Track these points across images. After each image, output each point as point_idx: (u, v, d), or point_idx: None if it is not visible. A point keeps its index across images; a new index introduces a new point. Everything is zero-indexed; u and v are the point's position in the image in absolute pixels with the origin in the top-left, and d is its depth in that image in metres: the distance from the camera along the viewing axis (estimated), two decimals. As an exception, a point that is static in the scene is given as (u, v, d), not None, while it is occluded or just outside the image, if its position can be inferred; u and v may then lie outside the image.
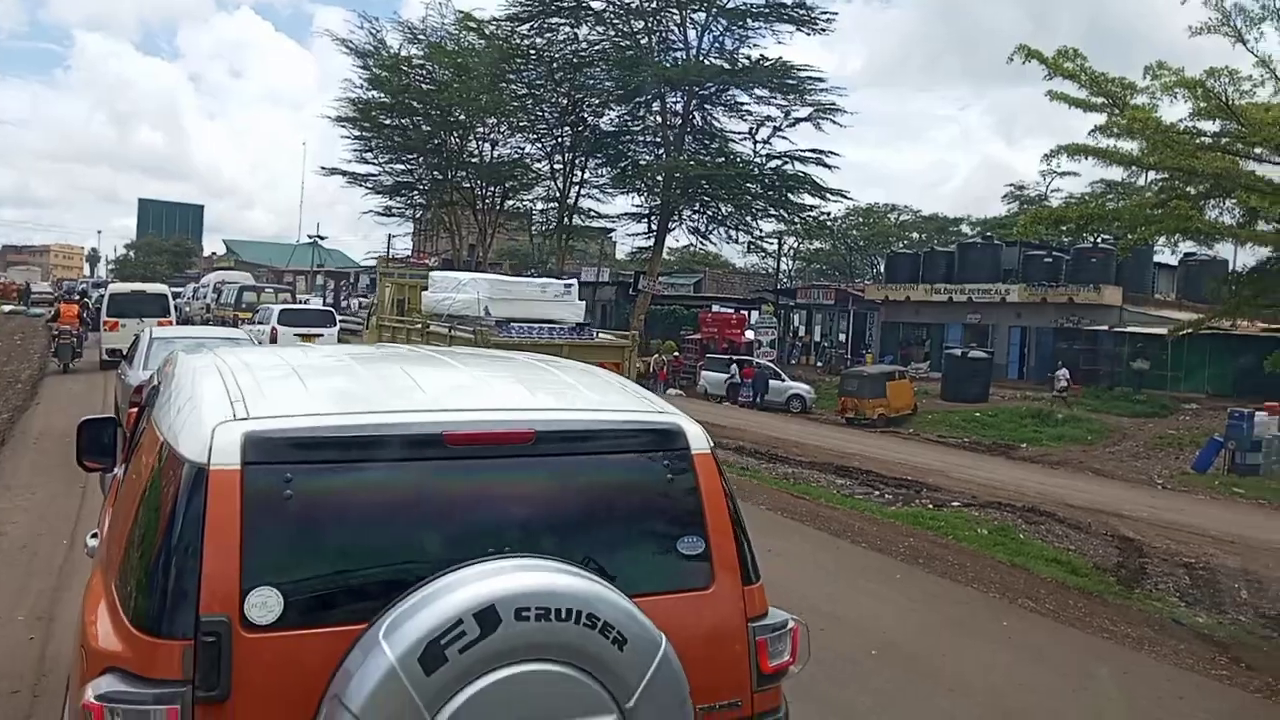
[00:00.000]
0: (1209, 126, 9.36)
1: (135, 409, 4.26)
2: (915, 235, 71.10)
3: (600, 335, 15.36)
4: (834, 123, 36.55)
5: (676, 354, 35.99)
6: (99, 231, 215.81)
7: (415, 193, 51.46)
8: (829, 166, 36.96)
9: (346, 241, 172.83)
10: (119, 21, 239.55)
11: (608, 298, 50.11)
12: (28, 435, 13.47)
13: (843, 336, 40.93)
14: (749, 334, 36.64)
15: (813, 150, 36.71)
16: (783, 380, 31.56)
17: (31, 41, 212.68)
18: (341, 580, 2.35)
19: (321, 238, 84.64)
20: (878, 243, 70.89)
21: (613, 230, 56.46)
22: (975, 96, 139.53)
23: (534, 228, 59.00)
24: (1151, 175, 10.98)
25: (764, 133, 37.41)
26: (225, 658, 2.18)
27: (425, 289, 17.06)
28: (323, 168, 50.16)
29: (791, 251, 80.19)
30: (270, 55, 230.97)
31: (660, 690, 2.34)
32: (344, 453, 2.41)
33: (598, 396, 3.02)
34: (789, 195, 37.34)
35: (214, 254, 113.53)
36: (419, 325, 15.75)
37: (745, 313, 38.84)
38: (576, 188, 46.50)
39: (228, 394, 2.59)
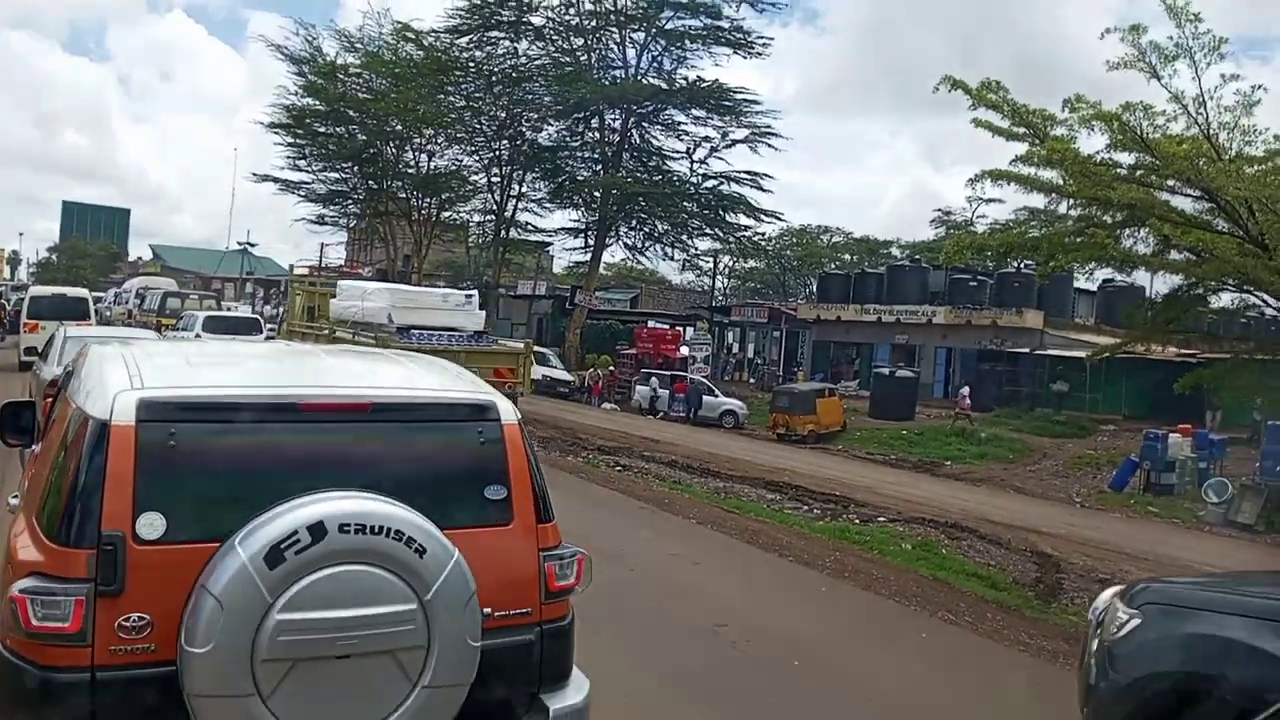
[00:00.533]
0: (1125, 159, 9.78)
1: (50, 398, 4.88)
2: (847, 256, 72.36)
3: (498, 343, 16.34)
4: (769, 145, 37.29)
5: (612, 368, 36.06)
6: (20, 234, 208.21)
7: (349, 202, 50.79)
8: (763, 189, 37.58)
9: (278, 249, 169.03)
10: (45, 20, 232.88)
11: (544, 311, 50.03)
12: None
13: (775, 354, 41.42)
14: (684, 350, 36.88)
15: (748, 172, 37.37)
16: (716, 396, 31.81)
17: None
18: (211, 508, 3.06)
19: (251, 245, 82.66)
20: (810, 263, 71.95)
21: (549, 244, 56.93)
22: (905, 123, 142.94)
23: (470, 240, 58.75)
24: (1070, 203, 11.44)
25: (701, 153, 37.97)
26: (120, 562, 2.89)
27: (334, 298, 17.67)
28: (254, 174, 49.29)
29: (726, 270, 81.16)
30: (202, 59, 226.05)
31: (451, 589, 3.09)
32: (217, 414, 3.17)
33: (433, 379, 3.95)
34: (724, 215, 37.81)
35: (140, 259, 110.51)
36: (326, 331, 16.33)
37: (680, 329, 39.10)
38: (514, 201, 46.51)
39: (127, 371, 3.32)
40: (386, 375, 4.23)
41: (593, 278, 42.46)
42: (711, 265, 47.86)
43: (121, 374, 3.31)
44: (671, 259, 41.50)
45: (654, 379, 32.58)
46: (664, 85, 37.50)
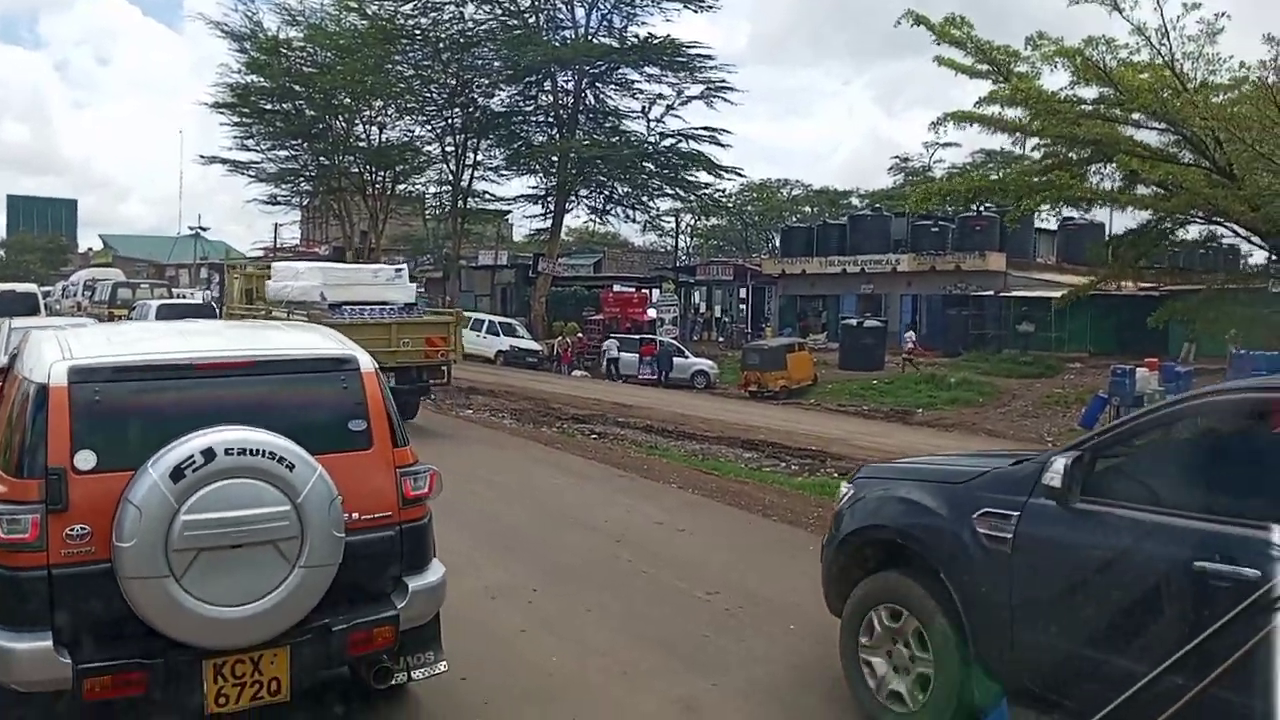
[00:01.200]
0: (1089, 94, 9.62)
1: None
2: (807, 209, 72.32)
3: (425, 314, 17.04)
4: (726, 100, 36.87)
5: (580, 335, 35.81)
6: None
7: (301, 179, 49.72)
8: (722, 144, 37.25)
9: (231, 232, 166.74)
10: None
11: (507, 281, 49.57)
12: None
13: (742, 312, 41.34)
14: (650, 312, 36.70)
15: (705, 128, 36.94)
16: (686, 357, 31.71)
17: None
18: (130, 444, 3.95)
19: (203, 229, 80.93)
20: (771, 218, 71.86)
21: (509, 213, 56.42)
22: (858, 71, 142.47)
23: (427, 212, 57.90)
24: (1034, 142, 11.30)
25: (657, 111, 37.47)
26: (64, 487, 3.82)
27: (268, 279, 17.95)
28: (201, 156, 48.15)
29: (689, 229, 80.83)
30: (140, 41, 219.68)
31: (317, 494, 4.01)
32: (130, 375, 4.16)
33: (306, 340, 5.18)
34: (684, 173, 37.46)
35: (90, 250, 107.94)
36: (262, 312, 16.61)
37: (646, 291, 38.87)
38: (470, 170, 45.79)
39: (60, 348, 4.25)
40: (270, 339, 5.46)
41: (555, 244, 42.03)
42: (674, 225, 47.50)
43: (55, 350, 4.26)
44: (634, 221, 41.21)
45: (611, 341, 32.37)
46: (615, 44, 36.86)
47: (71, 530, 3.88)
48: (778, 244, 76.80)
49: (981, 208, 33.62)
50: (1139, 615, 3.66)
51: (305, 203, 55.26)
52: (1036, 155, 11.25)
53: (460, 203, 46.32)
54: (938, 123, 13.78)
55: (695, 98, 36.66)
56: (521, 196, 42.25)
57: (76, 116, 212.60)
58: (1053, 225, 41.05)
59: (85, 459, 3.93)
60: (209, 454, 3.90)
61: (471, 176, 46.09)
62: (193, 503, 3.87)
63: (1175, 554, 3.50)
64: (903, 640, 4.57)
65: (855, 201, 71.49)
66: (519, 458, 13.71)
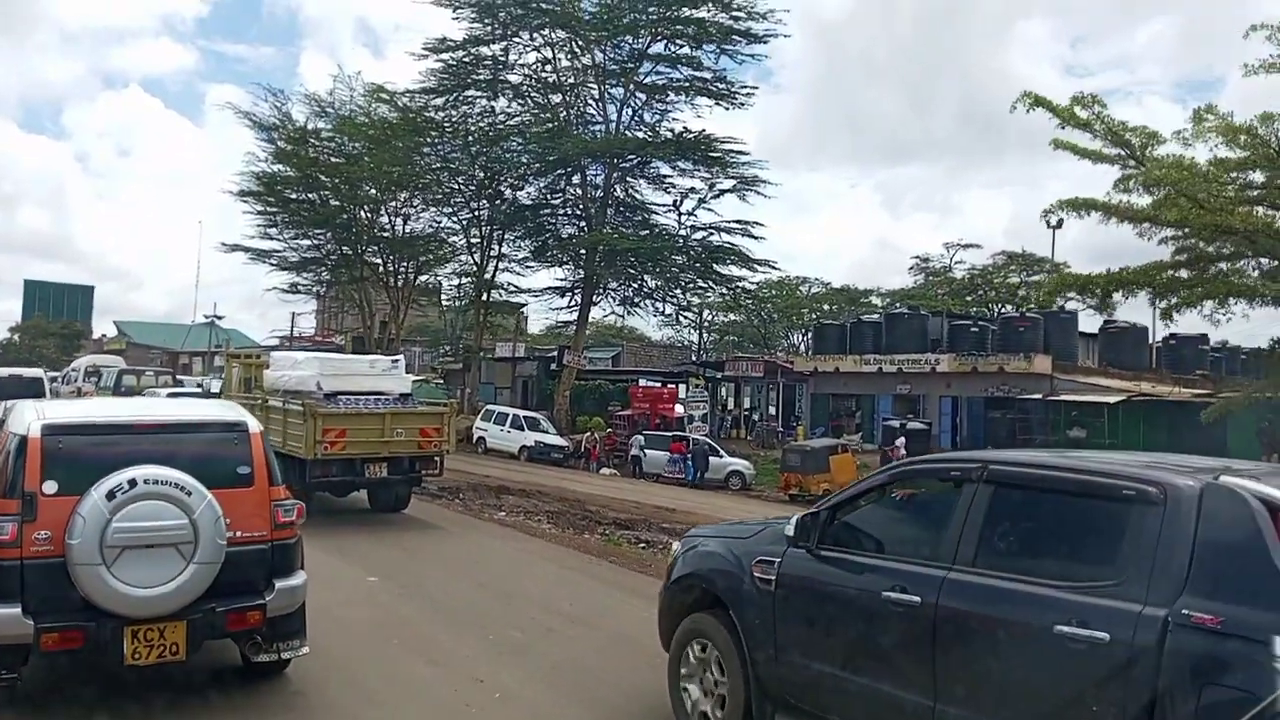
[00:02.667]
0: (1257, 177, 8.54)
1: None
2: (826, 307, 71.55)
3: (420, 405, 16.86)
4: (759, 194, 36.20)
5: (609, 430, 34.51)
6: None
7: (323, 268, 49.16)
8: (755, 237, 36.50)
9: (243, 320, 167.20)
10: (1, 99, 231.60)
11: (528, 374, 48.51)
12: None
13: (772, 409, 40.07)
14: (678, 408, 35.45)
15: (739, 221, 36.25)
16: (720, 456, 30.33)
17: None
18: (81, 476, 5.66)
19: (219, 318, 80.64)
20: (791, 314, 71.08)
21: (524, 305, 55.82)
22: (863, 175, 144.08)
23: (446, 303, 57.26)
24: (1155, 235, 10.28)
25: (689, 204, 36.85)
26: (34, 505, 5.59)
27: (267, 368, 18.02)
28: (223, 244, 47.86)
29: (706, 323, 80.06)
30: (160, 133, 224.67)
31: (207, 513, 5.75)
32: (83, 430, 6.08)
33: (216, 411, 7.13)
34: (716, 267, 36.64)
35: (104, 336, 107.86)
36: (259, 400, 16.53)
37: (675, 386, 37.67)
38: (494, 262, 45.21)
39: (36, 412, 6.11)
40: (190, 409, 7.35)
41: (580, 337, 41.09)
42: (694, 320, 46.59)
43: (33, 414, 6.02)
44: (663, 314, 40.29)
45: (637, 438, 31.09)
46: (649, 138, 36.40)
47: (38, 534, 5.52)
48: (796, 341, 76.30)
49: (1024, 309, 32.61)
50: (861, 637, 4.66)
51: (325, 292, 54.55)
52: (1171, 247, 10.30)
53: (484, 294, 45.64)
54: (1050, 211, 12.83)
55: (727, 191, 36.14)
56: (549, 289, 41.39)
57: (96, 205, 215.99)
58: (1092, 329, 40.01)
59: (50, 486, 5.62)
60: (133, 483, 5.60)
61: (495, 268, 45.54)
62: (121, 515, 5.54)
63: (875, 586, 4.53)
64: (708, 668, 5.53)
65: (876, 300, 70.83)
66: (582, 579, 12.20)
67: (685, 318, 43.69)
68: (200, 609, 5.84)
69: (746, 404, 40.67)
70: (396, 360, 17.43)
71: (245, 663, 6.47)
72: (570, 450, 34.26)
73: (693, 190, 36.85)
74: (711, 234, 36.78)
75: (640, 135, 36.79)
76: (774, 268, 37.04)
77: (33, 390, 24.01)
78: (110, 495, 5.56)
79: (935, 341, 37.51)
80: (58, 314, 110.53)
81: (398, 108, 42.13)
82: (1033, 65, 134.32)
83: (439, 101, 41.24)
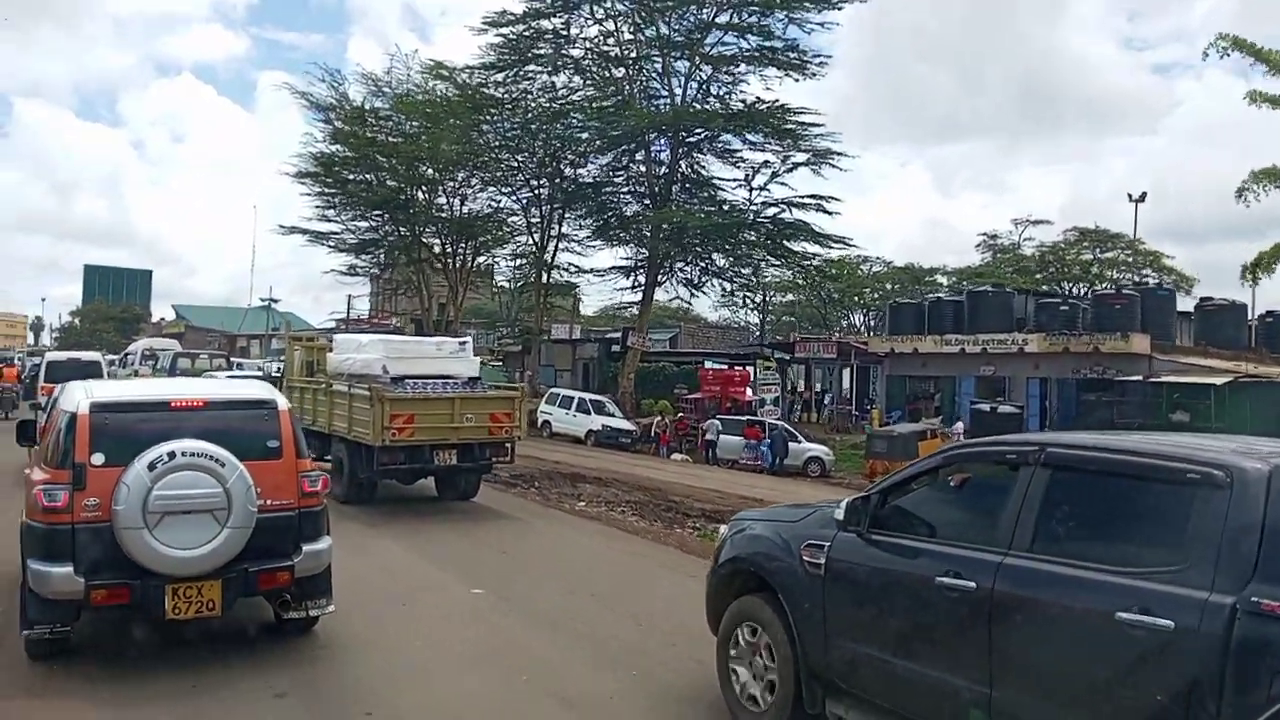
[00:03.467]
0: None
1: (45, 423, 8.19)
2: (889, 286, 69.46)
3: (490, 389, 15.97)
4: (835, 167, 34.49)
5: (680, 414, 33.22)
6: (43, 299, 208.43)
7: (381, 250, 48.37)
8: (829, 212, 34.82)
9: (297, 304, 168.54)
10: (57, 88, 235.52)
11: (589, 356, 47.36)
12: None
13: (843, 392, 38.45)
14: (749, 391, 34.03)
15: (813, 195, 34.56)
16: (799, 442, 28.92)
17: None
18: (125, 449, 6.23)
19: (274, 301, 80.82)
20: (851, 294, 69.14)
21: (576, 287, 54.60)
22: (914, 154, 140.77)
23: (504, 284, 56.30)
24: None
25: (760, 179, 35.27)
26: (84, 475, 6.18)
27: (330, 351, 17.48)
28: (281, 226, 47.12)
29: (765, 304, 78.22)
30: (213, 119, 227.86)
31: (239, 482, 6.31)
32: (127, 408, 6.64)
33: (246, 390, 7.72)
34: (786, 243, 35.04)
35: (162, 320, 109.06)
36: (323, 385, 16.05)
37: (745, 369, 36.21)
38: (554, 242, 44.08)
39: (85, 391, 6.66)
40: (224, 389, 7.94)
41: (645, 318, 39.80)
42: (760, 300, 45.08)
43: (83, 393, 6.64)
44: (731, 295, 38.84)
45: (712, 422, 29.76)
46: (720, 109, 34.69)
47: (87, 501, 6.19)
48: (857, 321, 74.25)
49: (1121, 285, 30.65)
50: (913, 623, 4.60)
51: (384, 274, 53.86)
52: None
53: (544, 275, 44.56)
54: (1244, 189, 11.16)
55: (801, 165, 34.46)
56: (614, 268, 39.96)
57: (151, 191, 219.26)
58: (1187, 306, 37.82)
59: (98, 458, 6.25)
60: (172, 455, 6.22)
61: (555, 248, 44.41)
62: (161, 484, 6.16)
63: (928, 571, 4.48)
64: (758, 652, 5.48)
65: (941, 279, 68.69)
66: (698, 587, 10.98)
67: (751, 298, 42.15)
68: (234, 569, 6.43)
69: (817, 386, 39.06)
70: (464, 342, 16.50)
71: (277, 619, 7.09)
72: (637, 435, 33.06)
73: (766, 164, 35.24)
74: (783, 210, 35.17)
75: (710, 107, 35.07)
76: (848, 244, 35.33)
77: (90, 373, 23.09)
78: (152, 466, 6.12)
79: (1020, 320, 35.63)
80: (117, 298, 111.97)
81: (457, 84, 41.01)
82: (1088, 39, 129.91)
83: (499, 78, 40.02)
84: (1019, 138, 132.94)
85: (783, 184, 34.69)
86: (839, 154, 34.59)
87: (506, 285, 57.89)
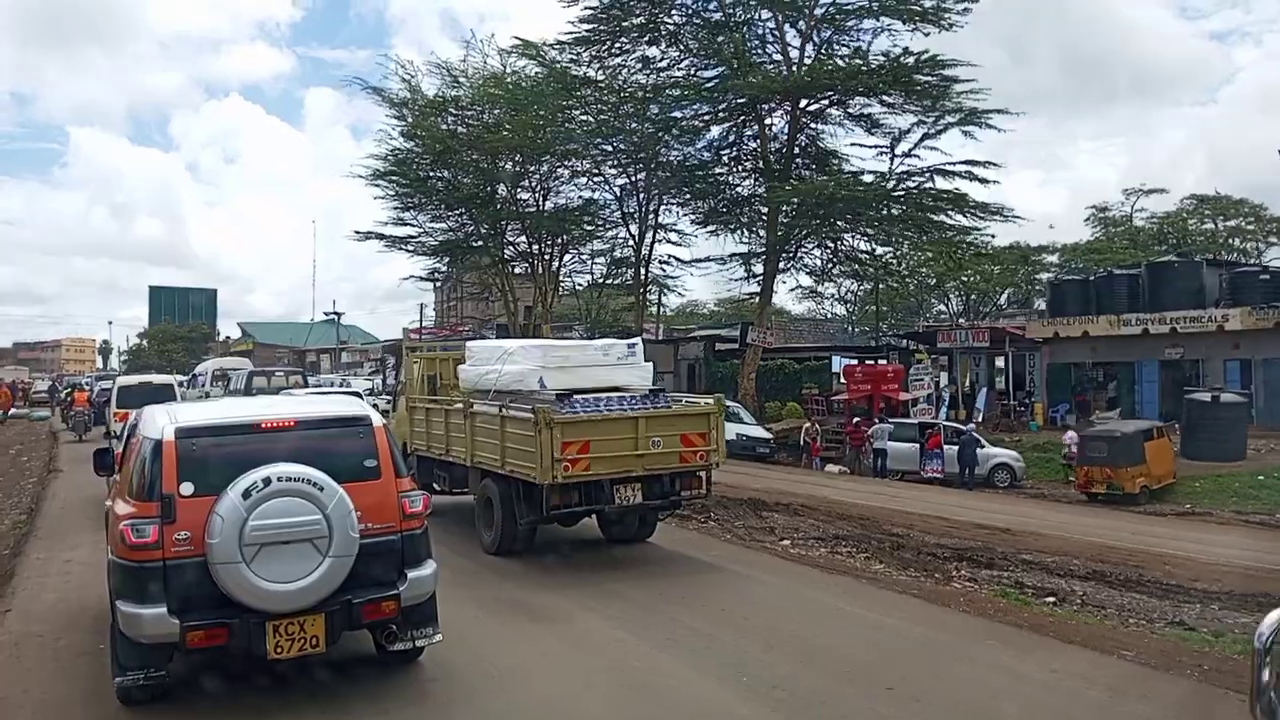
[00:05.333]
0: None
1: (122, 450, 7.94)
2: (993, 269, 64.43)
3: (676, 400, 12.44)
4: (990, 127, 29.90)
5: (854, 419, 28.82)
6: (110, 322, 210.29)
7: (463, 251, 44.77)
8: (984, 181, 30.25)
9: (353, 317, 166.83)
10: (109, 115, 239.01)
11: (693, 355, 43.28)
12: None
13: (990, 384, 33.86)
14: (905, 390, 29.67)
15: (967, 162, 30.00)
16: (984, 447, 24.57)
17: (25, 143, 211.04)
18: (215, 477, 5.89)
19: (338, 314, 78.11)
20: (951, 278, 64.25)
21: (678, 279, 50.18)
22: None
23: (580, 283, 52.35)
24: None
25: (904, 145, 30.82)
26: (173, 507, 5.81)
27: (460, 362, 14.32)
28: (356, 232, 43.70)
29: (849, 294, 73.54)
30: (263, 138, 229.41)
31: (339, 507, 5.95)
32: (216, 431, 6.23)
33: (336, 406, 7.41)
34: (931, 217, 30.52)
35: (228, 338, 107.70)
36: (459, 405, 13.02)
37: (898, 364, 31.81)
38: (651, 232, 40.14)
39: (169, 415, 6.35)
40: (314, 406, 7.51)
41: (765, 311, 35.67)
42: (894, 284, 40.63)
43: (165, 417, 6.29)
44: (862, 279, 34.60)
45: (882, 426, 25.51)
46: (857, 66, 30.07)
47: (178, 535, 5.79)
48: (954, 306, 69.23)
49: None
50: None
51: (465, 277, 50.35)
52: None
53: (643, 271, 40.65)
54: None
55: (954, 125, 29.91)
56: (733, 255, 35.26)
57: (207, 212, 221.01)
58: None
59: (186, 488, 5.87)
60: (267, 480, 5.85)
61: (653, 240, 40.47)
62: (257, 513, 5.78)
63: None
64: None
65: (1053, 259, 63.67)
66: (1069, 685, 6.95)
67: (894, 281, 37.79)
68: (337, 601, 6.04)
69: (966, 380, 34.52)
70: (634, 344, 13.02)
71: (380, 651, 6.76)
72: (775, 444, 28.93)
73: (914, 127, 30.70)
74: (927, 179, 30.63)
75: (839, 64, 30.45)
76: (1010, 216, 30.66)
77: (164, 398, 22.22)
78: (246, 494, 5.79)
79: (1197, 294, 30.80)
80: (183, 318, 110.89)
81: (544, 63, 37.21)
82: (1140, 8, 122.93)
83: (588, 55, 36.07)
84: (1071, 110, 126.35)
85: (934, 148, 30.19)
86: (994, 111, 29.92)
87: (584, 285, 53.86)
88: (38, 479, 21.13)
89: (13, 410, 43.72)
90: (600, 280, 50.26)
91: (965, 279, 61.63)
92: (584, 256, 46.84)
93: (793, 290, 41.45)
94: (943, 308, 72.22)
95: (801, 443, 27.96)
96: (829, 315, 79.27)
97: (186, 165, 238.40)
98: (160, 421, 6.22)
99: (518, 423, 11.00)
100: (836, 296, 76.64)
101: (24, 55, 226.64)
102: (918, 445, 24.67)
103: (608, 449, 10.75)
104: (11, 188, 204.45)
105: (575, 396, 11.23)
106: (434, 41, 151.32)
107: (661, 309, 61.28)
